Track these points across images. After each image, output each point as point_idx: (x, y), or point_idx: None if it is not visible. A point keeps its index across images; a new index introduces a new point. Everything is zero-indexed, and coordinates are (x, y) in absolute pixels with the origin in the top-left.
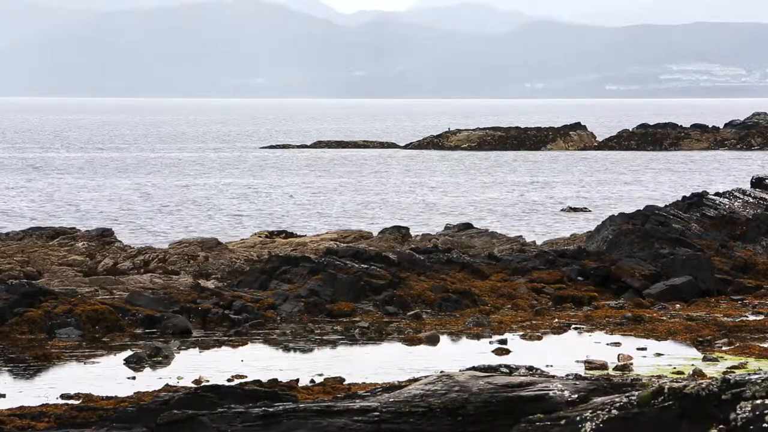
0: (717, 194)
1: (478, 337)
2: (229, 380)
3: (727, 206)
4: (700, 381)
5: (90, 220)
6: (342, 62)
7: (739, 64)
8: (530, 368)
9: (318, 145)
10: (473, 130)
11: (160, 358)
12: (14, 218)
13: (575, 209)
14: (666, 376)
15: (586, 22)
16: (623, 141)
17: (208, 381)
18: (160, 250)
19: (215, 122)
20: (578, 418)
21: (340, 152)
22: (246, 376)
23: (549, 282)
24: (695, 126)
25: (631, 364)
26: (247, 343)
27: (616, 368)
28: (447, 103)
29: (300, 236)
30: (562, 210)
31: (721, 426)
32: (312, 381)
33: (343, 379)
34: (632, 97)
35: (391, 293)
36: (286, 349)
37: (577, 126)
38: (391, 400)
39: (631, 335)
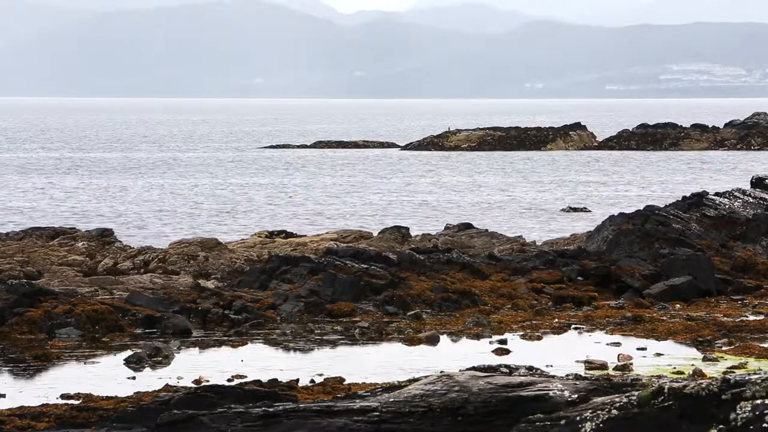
0: (717, 194)
1: (478, 337)
2: (229, 380)
3: (727, 206)
4: (700, 381)
5: (90, 220)
6: (342, 62)
7: (739, 64)
8: (530, 368)
9: (318, 145)
10: (473, 130)
11: (160, 358)
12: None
13: (575, 209)
14: (666, 376)
15: (586, 22)
16: (623, 141)
17: (208, 381)
18: (160, 250)
19: (215, 122)
20: (578, 418)
21: (340, 152)
22: (246, 376)
23: (549, 282)
24: (695, 126)
25: (631, 364)
26: (247, 343)
27: (616, 368)
28: (447, 103)
29: (300, 236)
30: (562, 210)
31: (721, 426)
32: (312, 381)
33: (343, 379)
34: (632, 97)
35: (391, 293)
36: (286, 349)
37: (577, 126)
38: (391, 400)
39: (631, 335)
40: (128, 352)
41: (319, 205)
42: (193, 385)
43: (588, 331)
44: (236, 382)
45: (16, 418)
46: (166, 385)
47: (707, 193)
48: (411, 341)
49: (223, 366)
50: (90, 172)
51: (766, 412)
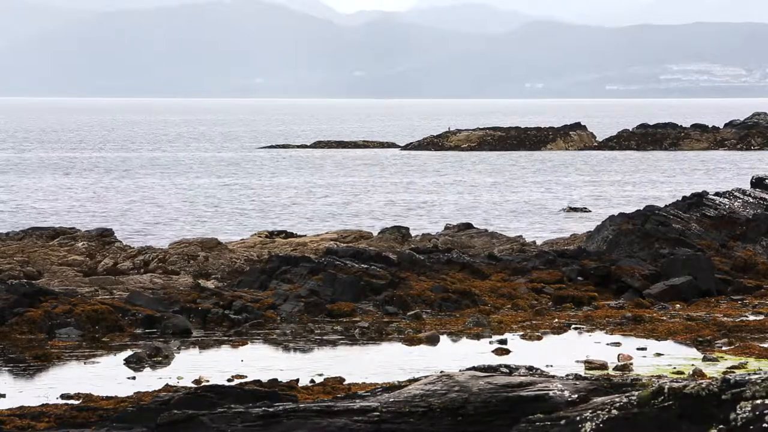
0: (717, 194)
1: (478, 337)
2: (229, 380)
3: (727, 206)
4: (700, 381)
5: (90, 220)
6: (342, 62)
7: (739, 64)
8: (530, 368)
9: (318, 145)
10: (473, 130)
11: (160, 358)
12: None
13: (575, 209)
14: (666, 376)
15: (586, 22)
16: (623, 141)
17: (208, 381)
18: (160, 250)
19: (215, 122)
20: (578, 418)
21: (340, 152)
22: (246, 376)
23: (549, 282)
24: (695, 126)
25: (631, 364)
26: (247, 343)
27: (616, 368)
28: (447, 103)
29: (300, 236)
30: (562, 210)
31: (721, 426)
32: (312, 381)
33: (343, 379)
34: (632, 97)
35: (391, 293)
36: (286, 349)
37: (577, 126)
38: (391, 400)
39: (631, 335)
40: (128, 352)
41: (320, 205)
42: (193, 385)
43: (588, 331)
44: (236, 382)
45: (16, 418)
46: (166, 385)
47: (707, 193)
48: (411, 341)
49: (223, 366)
50: (90, 171)
51: (766, 412)
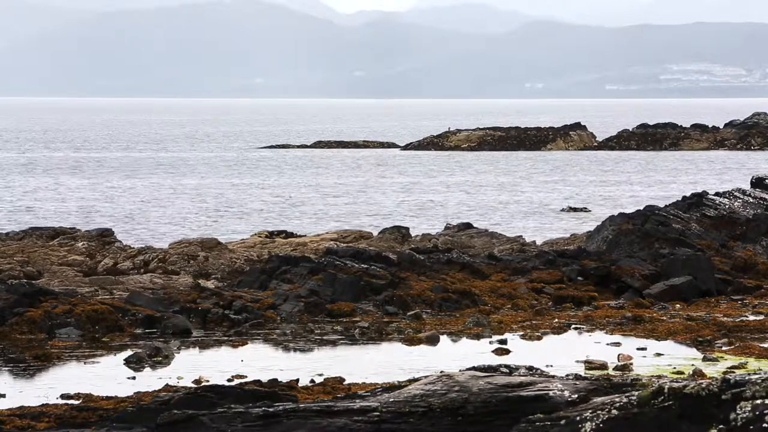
0: (717, 194)
1: (478, 337)
2: (229, 380)
3: (727, 206)
4: (700, 381)
5: (90, 220)
6: (342, 62)
7: (739, 64)
8: (530, 368)
9: (318, 145)
10: (473, 130)
11: (160, 358)
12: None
13: (575, 209)
14: (666, 376)
15: (586, 22)
16: (623, 141)
17: (208, 381)
18: (160, 250)
19: (215, 122)
20: (578, 418)
21: (340, 152)
22: (246, 376)
23: (549, 282)
24: (695, 126)
25: (631, 364)
26: (247, 343)
27: (616, 368)
28: (447, 103)
29: (300, 236)
30: (562, 210)
31: (721, 426)
32: (312, 381)
33: (343, 379)
34: (632, 97)
35: (391, 293)
36: (286, 349)
37: (577, 126)
38: (391, 400)
39: (631, 335)
40: (128, 352)
41: (320, 205)
42: (193, 385)
43: (588, 331)
44: (236, 382)
45: (16, 418)
46: (166, 385)
47: (707, 193)
48: (411, 341)
49: (223, 366)
50: (90, 171)
51: (766, 412)
